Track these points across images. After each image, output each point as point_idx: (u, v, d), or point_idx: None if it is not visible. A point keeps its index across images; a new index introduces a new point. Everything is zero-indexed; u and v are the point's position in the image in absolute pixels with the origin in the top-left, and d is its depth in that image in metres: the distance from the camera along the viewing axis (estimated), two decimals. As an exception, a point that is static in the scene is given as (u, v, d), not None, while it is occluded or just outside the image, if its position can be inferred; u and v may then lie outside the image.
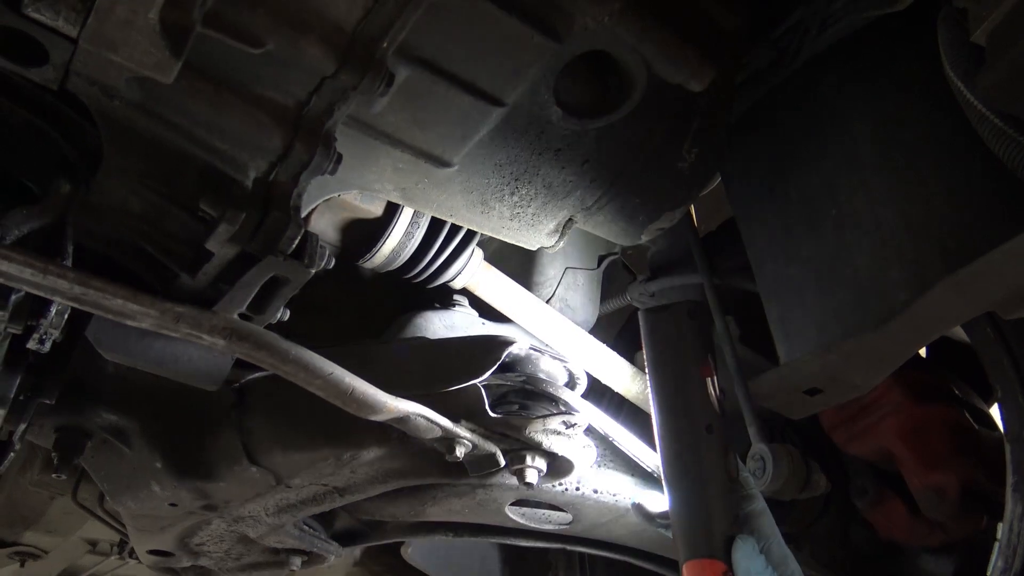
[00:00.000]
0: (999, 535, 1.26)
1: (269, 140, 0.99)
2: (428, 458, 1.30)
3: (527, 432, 1.21)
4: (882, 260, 1.12)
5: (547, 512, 1.50)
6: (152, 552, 1.72)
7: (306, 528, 1.64)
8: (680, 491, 1.18)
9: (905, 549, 1.56)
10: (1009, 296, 1.02)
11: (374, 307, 1.51)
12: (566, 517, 1.48)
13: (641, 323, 1.28)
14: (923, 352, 1.70)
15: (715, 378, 1.23)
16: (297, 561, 1.72)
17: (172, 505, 1.45)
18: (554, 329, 1.44)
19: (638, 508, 1.33)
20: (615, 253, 1.70)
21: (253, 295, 1.04)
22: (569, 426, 1.20)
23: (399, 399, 1.11)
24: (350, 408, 1.09)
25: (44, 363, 1.21)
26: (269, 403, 1.32)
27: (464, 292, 1.49)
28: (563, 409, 1.22)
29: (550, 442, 1.22)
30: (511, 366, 1.27)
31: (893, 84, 1.20)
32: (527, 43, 1.01)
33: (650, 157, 1.22)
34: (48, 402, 1.23)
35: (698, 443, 1.18)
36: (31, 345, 1.07)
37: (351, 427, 1.26)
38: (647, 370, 1.25)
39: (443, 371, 1.22)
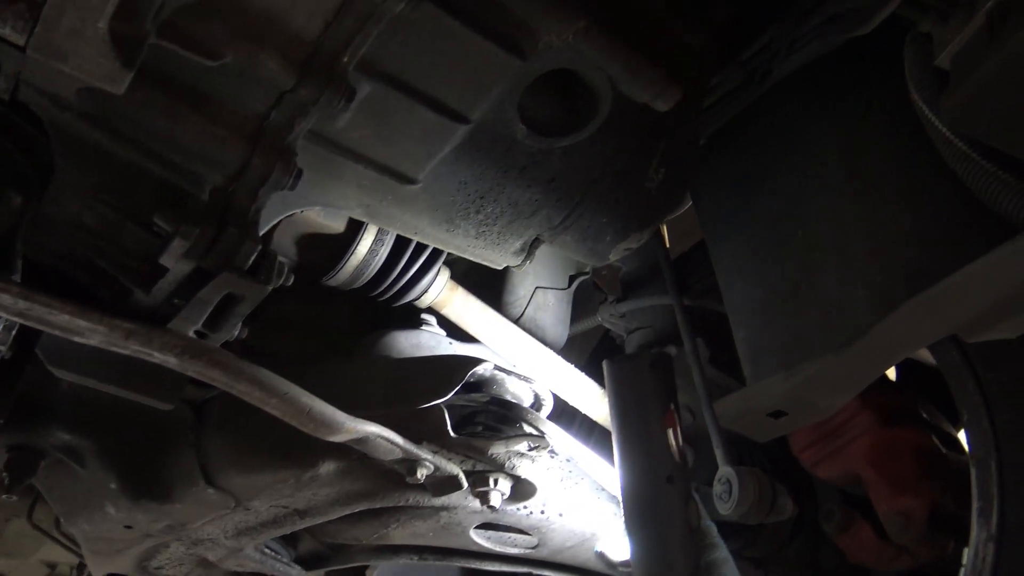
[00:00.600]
0: (965, 560, 1.25)
1: (226, 154, 0.97)
2: (390, 479, 1.27)
3: (490, 454, 1.19)
4: (846, 281, 1.12)
5: (512, 536, 1.47)
6: (109, 576, 1.68)
7: (268, 551, 1.60)
8: (641, 541, 1.20)
9: (873, 573, 1.55)
10: (972, 319, 1.02)
11: (340, 325, 1.49)
12: (532, 541, 1.46)
13: (605, 373, 1.29)
14: (892, 374, 1.71)
15: (678, 428, 1.24)
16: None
17: (127, 527, 1.41)
18: (522, 350, 1.42)
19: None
20: (586, 273, 1.69)
21: (208, 312, 1.02)
22: (533, 448, 1.18)
23: (358, 419, 1.09)
24: (307, 428, 1.07)
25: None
26: (227, 423, 1.29)
27: (432, 311, 1.47)
28: (528, 431, 1.20)
29: (513, 464, 1.20)
30: (476, 386, 1.25)
31: (857, 108, 1.21)
32: (492, 60, 1.00)
33: (617, 176, 1.22)
34: None
35: (659, 494, 1.20)
36: (-24, 361, 1.04)
37: (310, 448, 1.23)
38: (610, 420, 1.25)
39: (406, 391, 1.20)
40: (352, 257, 1.25)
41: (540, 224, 1.24)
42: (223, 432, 1.28)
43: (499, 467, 1.21)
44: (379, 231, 1.28)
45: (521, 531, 1.43)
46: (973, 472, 1.28)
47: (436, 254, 1.33)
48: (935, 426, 1.54)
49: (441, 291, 1.34)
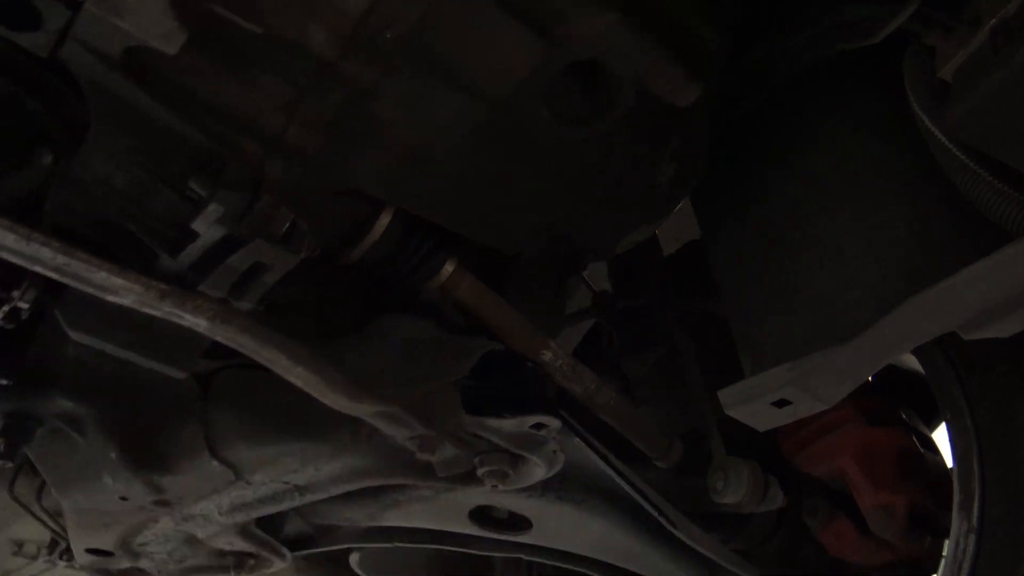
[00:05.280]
0: (945, 551, 1.30)
1: (265, 124, 0.99)
2: (396, 458, 1.29)
3: (501, 434, 1.21)
4: (846, 282, 1.17)
5: (507, 519, 1.49)
6: (91, 551, 1.66)
7: (257, 531, 1.60)
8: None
9: (852, 567, 1.60)
10: (970, 317, 1.07)
11: (346, 306, 1.50)
12: (527, 524, 1.48)
13: None
14: (870, 378, 1.77)
15: None
16: (248, 563, 1.67)
17: (123, 499, 1.40)
18: (526, 336, 1.44)
19: None
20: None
21: (234, 280, 1.03)
22: (541, 429, 1.21)
23: (378, 394, 1.10)
24: (328, 400, 1.08)
25: (4, 342, 1.17)
26: (236, 395, 1.29)
27: (438, 296, 1.48)
28: (538, 413, 1.22)
29: (521, 445, 1.23)
30: (485, 369, 1.27)
31: (855, 116, 1.26)
32: (525, 45, 1.03)
33: (629, 169, 1.25)
34: (3, 383, 1.18)
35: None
36: (-2, 320, 1.03)
37: (321, 423, 1.24)
38: None
39: (420, 369, 1.22)
40: (369, 235, 1.26)
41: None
42: (231, 404, 1.28)
43: (507, 448, 1.23)
44: (396, 211, 1.29)
45: (517, 514, 1.46)
46: (955, 468, 1.34)
47: (449, 236, 1.34)
48: (913, 427, 1.61)
49: (451, 273, 1.36)
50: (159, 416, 1.31)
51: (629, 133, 1.19)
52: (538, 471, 1.28)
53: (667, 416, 1.56)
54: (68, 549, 1.84)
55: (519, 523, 1.48)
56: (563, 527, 1.46)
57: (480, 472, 1.27)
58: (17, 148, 1.02)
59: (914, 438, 1.56)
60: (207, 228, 0.97)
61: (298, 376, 1.04)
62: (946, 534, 1.49)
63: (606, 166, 1.23)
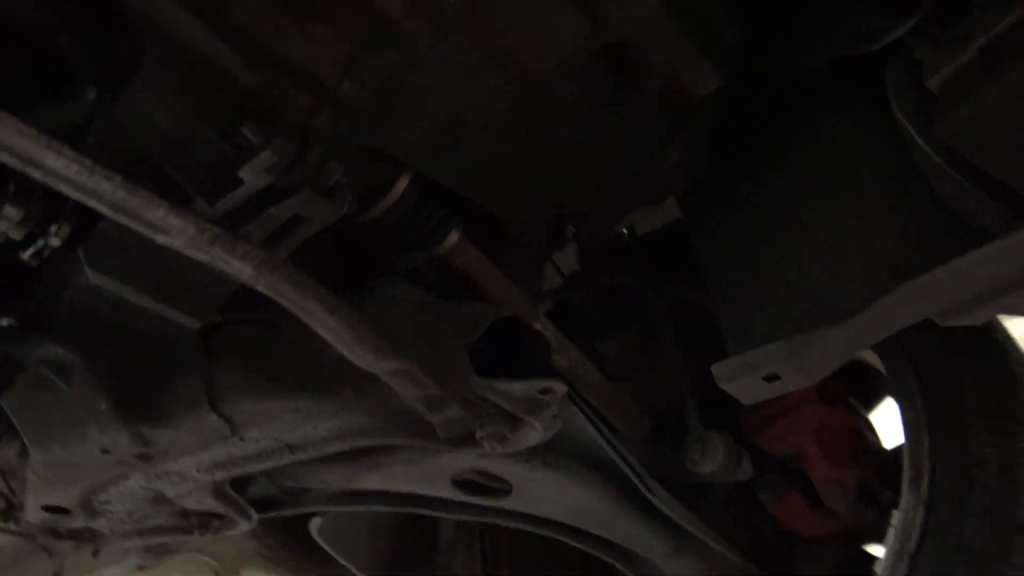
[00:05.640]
0: (894, 521, 1.43)
1: (321, 76, 0.99)
2: (398, 418, 1.31)
3: (509, 397, 1.24)
4: (839, 274, 1.26)
5: (486, 484, 1.53)
6: (47, 508, 1.60)
7: (230, 491, 1.58)
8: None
9: (800, 538, 1.72)
10: (950, 307, 1.18)
11: (332, 268, 1.50)
12: (506, 490, 1.52)
13: None
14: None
15: None
16: (214, 524, 1.65)
17: (104, 452, 1.36)
18: (517, 307, 1.48)
19: None
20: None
21: (273, 229, 1.03)
22: (546, 394, 1.25)
23: (402, 352, 1.12)
24: (354, 355, 1.09)
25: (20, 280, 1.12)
26: (241, 349, 1.28)
27: (423, 265, 1.51)
28: (544, 378, 1.26)
29: (526, 409, 1.27)
30: (490, 334, 1.30)
31: (854, 119, 1.35)
32: (568, 23, 1.07)
33: (641, 152, 1.31)
34: (5, 324, 1.14)
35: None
36: (26, 256, 1.00)
37: (328, 379, 1.25)
38: None
39: (430, 332, 1.24)
40: (387, 197, 1.27)
41: (564, 189, 1.32)
42: (236, 358, 1.27)
43: (514, 411, 1.26)
44: (414, 175, 1.31)
45: (499, 479, 1.50)
46: (906, 447, 1.46)
47: (458, 203, 1.37)
48: (859, 412, 1.74)
49: (456, 241, 1.38)
50: (155, 367, 1.29)
51: (648, 117, 1.25)
52: (534, 435, 1.32)
53: (639, 392, 1.64)
54: (9, 509, 1.77)
55: (500, 488, 1.53)
56: (543, 493, 1.51)
57: (480, 435, 1.31)
58: (55, 82, 0.98)
59: (862, 420, 1.70)
60: (254, 176, 0.97)
61: (331, 329, 1.05)
62: (887, 508, 1.64)
63: (623, 148, 1.28)
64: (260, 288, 1.01)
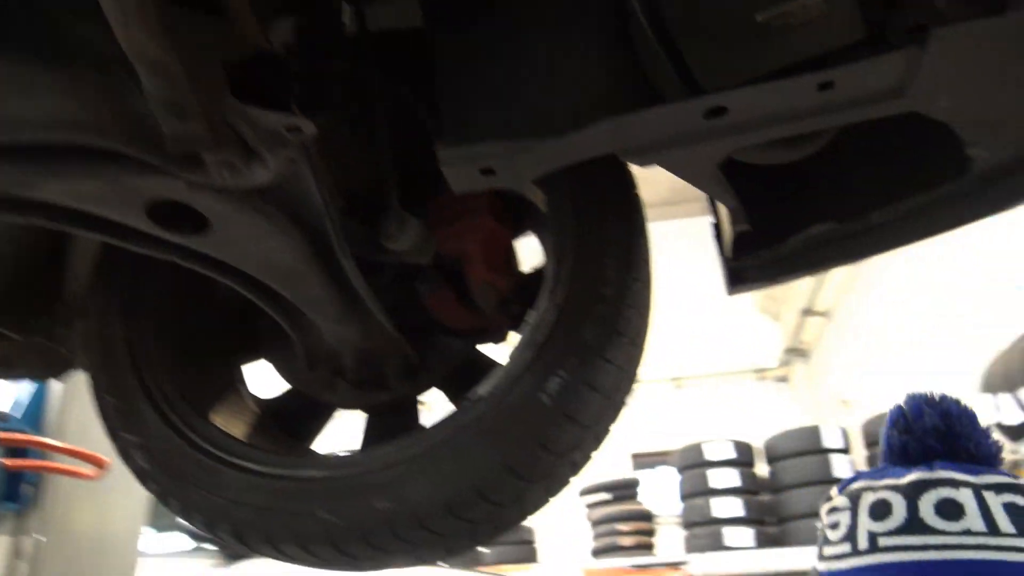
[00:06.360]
0: (530, 319, 1.74)
1: None
2: (126, 119, 1.24)
3: (256, 127, 1.25)
4: (557, 94, 1.49)
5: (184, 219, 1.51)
6: None
7: None
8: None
9: (446, 330, 2.00)
10: (630, 147, 1.47)
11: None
12: (204, 227, 1.51)
13: None
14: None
15: None
16: None
17: None
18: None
19: None
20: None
21: None
22: (292, 132, 1.29)
23: (172, 38, 1.08)
24: (128, 29, 1.03)
25: None
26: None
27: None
28: (296, 115, 1.29)
29: (267, 143, 1.29)
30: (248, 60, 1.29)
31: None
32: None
33: None
34: None
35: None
36: None
37: (68, 52, 1.14)
38: None
39: (189, 39, 1.20)
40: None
41: None
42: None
43: (254, 143, 1.27)
44: None
45: (198, 212, 1.48)
46: (550, 266, 1.79)
47: None
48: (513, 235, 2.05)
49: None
50: None
51: None
52: (263, 174, 1.35)
53: (347, 169, 1.73)
54: None
55: (196, 225, 1.51)
56: (240, 237, 1.52)
57: (210, 159, 1.30)
58: None
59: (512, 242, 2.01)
60: None
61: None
62: (516, 317, 1.98)
63: None
64: None
